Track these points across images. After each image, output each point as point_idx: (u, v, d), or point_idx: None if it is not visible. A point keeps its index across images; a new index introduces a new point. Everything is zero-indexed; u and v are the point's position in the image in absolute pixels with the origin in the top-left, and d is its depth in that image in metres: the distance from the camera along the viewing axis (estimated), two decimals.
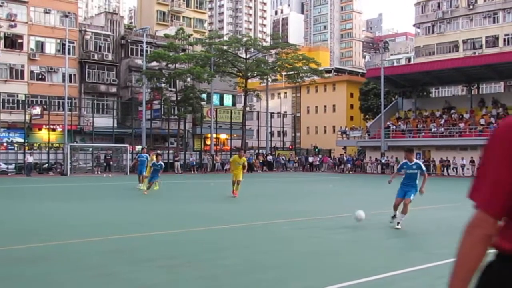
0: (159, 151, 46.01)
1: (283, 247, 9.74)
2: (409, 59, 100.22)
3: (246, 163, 21.59)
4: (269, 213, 15.53)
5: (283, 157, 59.14)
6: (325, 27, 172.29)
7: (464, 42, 69.00)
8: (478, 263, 1.89)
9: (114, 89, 58.69)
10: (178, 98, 54.38)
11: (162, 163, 23.02)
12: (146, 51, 53.06)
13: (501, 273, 1.87)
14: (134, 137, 51.09)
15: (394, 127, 55.83)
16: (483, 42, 67.13)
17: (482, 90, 60.40)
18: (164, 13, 76.64)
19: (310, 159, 58.66)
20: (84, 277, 7.19)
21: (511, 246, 1.88)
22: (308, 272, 7.56)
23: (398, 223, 12.11)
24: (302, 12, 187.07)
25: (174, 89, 55.41)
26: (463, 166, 46.95)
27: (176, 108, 55.11)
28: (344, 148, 61.57)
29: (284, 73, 65.59)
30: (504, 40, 65.42)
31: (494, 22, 67.05)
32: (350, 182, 36.55)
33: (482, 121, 49.74)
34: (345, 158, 56.22)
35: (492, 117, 50.05)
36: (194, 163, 50.64)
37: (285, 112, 78.10)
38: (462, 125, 50.24)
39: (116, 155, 48.17)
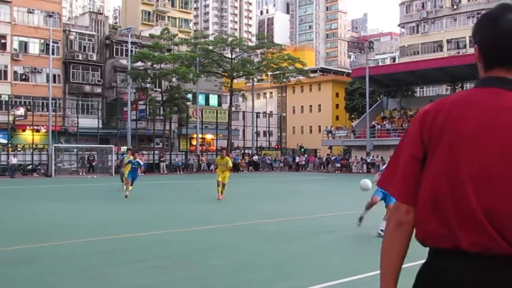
0: (144, 152, 45.96)
1: (270, 247, 9.76)
2: (394, 58, 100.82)
3: (230, 164, 20.67)
4: (256, 213, 15.56)
5: (269, 157, 59.18)
6: (310, 27, 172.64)
7: (448, 41, 69.57)
8: (397, 252, 1.90)
9: (98, 90, 58.37)
10: (164, 99, 54.21)
11: (140, 161, 22.56)
12: (131, 51, 52.85)
13: (429, 267, 1.84)
14: (119, 137, 50.81)
15: (379, 126, 56.10)
16: (467, 41, 67.65)
17: (466, 89, 60.85)
18: (149, 13, 76.44)
19: (297, 159, 58.75)
20: (74, 278, 7.18)
21: (419, 235, 1.85)
22: (294, 272, 7.60)
23: (381, 231, 10.72)
24: (288, 12, 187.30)
25: (159, 89, 55.26)
26: None
27: (161, 109, 54.93)
28: (330, 147, 61.76)
29: (269, 73, 65.59)
30: None
31: None
32: (337, 182, 36.66)
33: None
34: (332, 157, 56.35)
35: None
36: (180, 164, 50.48)
37: (271, 112, 78.16)
38: None
39: (101, 156, 47.88)
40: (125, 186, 21.76)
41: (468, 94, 1.82)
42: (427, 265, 1.85)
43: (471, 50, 62.39)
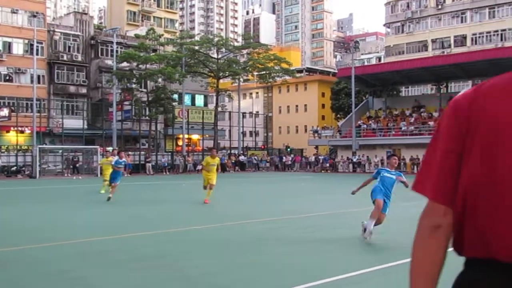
0: (129, 152, 45.67)
1: (255, 247, 9.73)
2: (379, 58, 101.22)
3: (219, 164, 19.98)
4: (242, 213, 15.51)
5: (256, 157, 59.18)
6: (296, 27, 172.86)
7: (433, 41, 69.98)
8: (433, 261, 1.59)
9: (84, 90, 57.95)
10: (149, 99, 53.99)
11: (126, 160, 21.54)
12: (117, 51, 52.54)
13: (461, 279, 1.61)
14: (104, 138, 50.52)
15: (365, 126, 56.29)
16: (452, 41, 68.15)
17: (450, 89, 61.24)
18: (134, 13, 76.06)
19: (283, 158, 58.84)
20: (52, 281, 7.08)
21: (459, 247, 1.63)
22: (280, 272, 7.59)
23: (365, 230, 10.44)
24: (274, 12, 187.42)
25: (145, 90, 55.02)
26: None
27: (147, 109, 54.72)
28: (316, 147, 61.85)
29: (255, 73, 65.57)
30: (472, 39, 66.52)
31: (462, 21, 68.13)
32: (324, 182, 36.75)
33: None
34: (321, 157, 56.47)
35: None
36: (166, 164, 50.32)
37: (257, 112, 78.15)
38: (431, 123, 50.88)
39: (86, 157, 47.57)
40: (109, 188, 20.61)
41: (509, 77, 1.56)
42: (460, 276, 1.62)
43: (455, 50, 63.01)
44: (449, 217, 1.59)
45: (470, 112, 1.56)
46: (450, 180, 1.58)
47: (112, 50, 53.73)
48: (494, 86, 1.55)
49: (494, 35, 65.08)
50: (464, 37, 67.33)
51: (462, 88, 62.20)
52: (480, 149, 1.52)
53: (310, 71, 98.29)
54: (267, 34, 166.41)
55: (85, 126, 52.48)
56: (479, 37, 66.11)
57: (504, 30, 64.48)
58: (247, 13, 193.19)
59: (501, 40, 63.44)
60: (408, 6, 72.58)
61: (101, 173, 34.95)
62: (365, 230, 10.38)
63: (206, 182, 18.77)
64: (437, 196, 1.60)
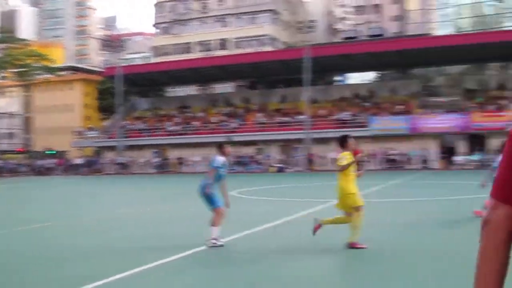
0: None
1: (22, 257, 8.71)
2: (146, 58, 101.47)
3: None
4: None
5: (13, 161, 54.97)
6: (59, 22, 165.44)
7: (198, 43, 72.04)
8: (490, 259, 1.49)
9: None
10: None
11: None
12: None
13: None
14: None
15: (131, 126, 55.62)
16: (215, 44, 70.84)
17: (215, 90, 63.58)
18: None
19: (44, 162, 55.54)
20: None
21: None
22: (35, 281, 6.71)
23: (215, 241, 9.08)
24: (35, 5, 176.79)
25: None
26: (197, 162, 48.37)
27: None
28: (81, 149, 59.51)
29: (13, 70, 60.88)
30: (234, 43, 69.91)
31: (224, 26, 71.30)
32: (89, 184, 35.41)
33: (214, 119, 52.33)
34: (89, 160, 54.55)
35: (223, 115, 53.01)
36: None
37: (15, 112, 72.68)
38: (196, 123, 52.18)
39: None
40: None
41: None
42: None
43: (218, 53, 65.55)
44: (498, 211, 1.53)
45: None
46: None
47: None
48: None
49: (253, 40, 69.14)
50: (226, 41, 70.48)
51: (226, 90, 65.10)
52: None
53: (74, 69, 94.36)
54: (27, 29, 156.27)
55: None
56: (240, 41, 69.69)
57: (263, 35, 68.90)
58: (5, 4, 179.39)
59: (260, 45, 67.64)
60: (175, 8, 73.78)
61: None
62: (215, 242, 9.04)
63: None
64: (498, 195, 1.55)
